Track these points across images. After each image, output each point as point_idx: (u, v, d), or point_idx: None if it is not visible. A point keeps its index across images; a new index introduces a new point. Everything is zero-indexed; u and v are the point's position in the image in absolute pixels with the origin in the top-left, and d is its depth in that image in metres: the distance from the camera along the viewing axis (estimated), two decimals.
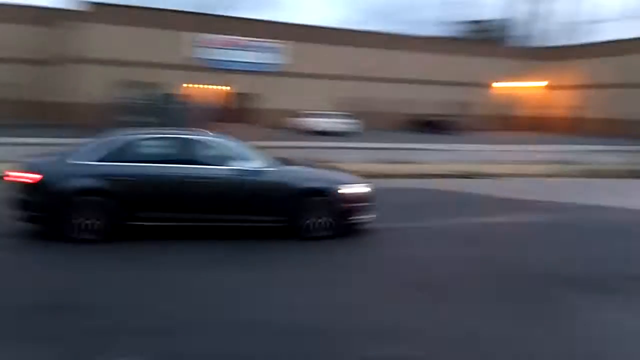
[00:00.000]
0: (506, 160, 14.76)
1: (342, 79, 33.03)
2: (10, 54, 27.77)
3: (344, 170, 7.85)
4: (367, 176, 7.93)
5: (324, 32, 34.12)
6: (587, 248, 6.49)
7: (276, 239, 6.21)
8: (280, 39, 32.17)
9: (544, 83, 39.63)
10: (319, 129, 26.72)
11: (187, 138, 6.55)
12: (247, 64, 31.37)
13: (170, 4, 32.99)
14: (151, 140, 6.61)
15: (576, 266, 5.63)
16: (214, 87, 30.93)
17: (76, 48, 27.36)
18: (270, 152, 7.28)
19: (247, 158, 6.43)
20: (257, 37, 31.66)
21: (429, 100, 34.21)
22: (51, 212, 5.82)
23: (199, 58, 30.25)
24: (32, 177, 5.85)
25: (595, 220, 8.01)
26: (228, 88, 31.46)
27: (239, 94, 31.55)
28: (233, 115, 29.22)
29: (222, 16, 32.27)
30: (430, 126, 32.19)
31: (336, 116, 27.90)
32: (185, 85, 28.21)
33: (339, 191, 6.45)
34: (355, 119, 28.13)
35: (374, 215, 6.68)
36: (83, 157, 6.09)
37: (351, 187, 6.62)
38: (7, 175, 6.11)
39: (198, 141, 6.53)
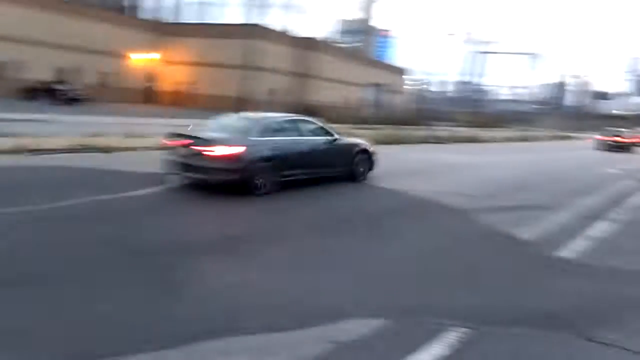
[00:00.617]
0: (120, 132, 14.33)
1: None
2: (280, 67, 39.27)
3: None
4: None
5: None
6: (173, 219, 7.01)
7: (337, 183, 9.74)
8: None
9: (158, 56, 41.18)
10: None
11: (302, 119, 10.15)
12: None
13: None
14: (283, 122, 9.43)
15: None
16: None
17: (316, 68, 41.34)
18: None
19: (327, 132, 9.84)
20: None
21: (44, 65, 30.49)
22: (244, 174, 7.96)
23: None
24: (237, 150, 7.97)
25: None
26: None
27: None
28: None
29: None
30: (40, 93, 28.70)
31: None
32: None
33: (370, 149, 10.61)
34: None
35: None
36: (255, 134, 8.46)
37: (370, 147, 10.69)
38: (212, 151, 7.89)
39: (307, 121, 10.03)
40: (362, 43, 79.36)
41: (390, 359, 3.35)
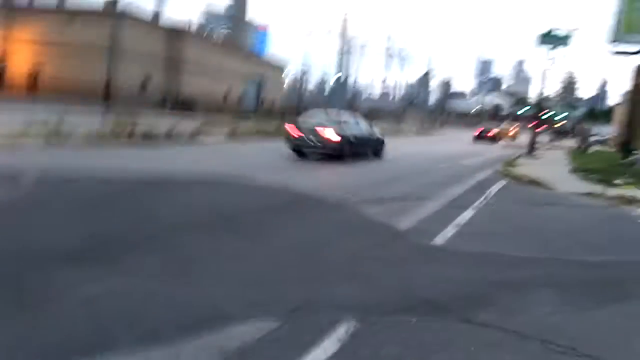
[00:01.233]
0: None
1: None
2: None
3: None
4: None
5: None
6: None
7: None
8: None
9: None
10: None
11: (360, 118, 19.07)
12: None
13: None
14: (353, 119, 17.35)
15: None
16: None
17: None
18: None
19: (372, 127, 18.18)
20: None
21: None
22: (341, 151, 14.55)
23: None
24: (338, 137, 14.56)
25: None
26: None
27: None
28: None
29: None
30: None
31: None
32: None
33: (384, 140, 18.17)
34: None
35: None
36: (344, 126, 15.34)
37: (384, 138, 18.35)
38: (323, 136, 14.54)
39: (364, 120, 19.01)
40: (232, 32, 78.19)
41: None
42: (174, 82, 41.30)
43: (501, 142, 41.46)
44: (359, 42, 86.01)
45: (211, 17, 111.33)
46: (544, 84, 26.74)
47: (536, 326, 3.90)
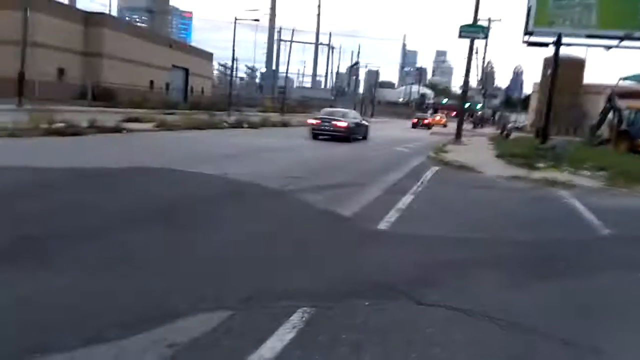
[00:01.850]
0: None
1: None
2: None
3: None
4: None
5: None
6: None
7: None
8: None
9: None
10: None
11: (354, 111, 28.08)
12: None
13: None
14: (351, 113, 24.48)
15: None
16: None
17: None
18: None
19: (361, 117, 25.87)
20: None
21: None
22: (347, 135, 20.88)
23: None
24: (346, 124, 20.98)
25: None
26: None
27: None
28: None
29: None
30: None
31: None
32: None
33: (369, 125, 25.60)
34: None
35: None
36: (349, 117, 22.54)
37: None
38: (336, 125, 20.89)
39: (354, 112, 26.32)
40: (154, 20, 75.54)
41: (239, 353, 3.07)
42: (94, 72, 39.02)
43: (432, 129, 45.85)
44: (288, 31, 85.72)
45: (131, 4, 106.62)
46: (465, 74, 27.82)
47: (483, 304, 4.02)
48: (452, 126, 35.84)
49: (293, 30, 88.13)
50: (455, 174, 12.69)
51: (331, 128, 20.93)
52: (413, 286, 4.37)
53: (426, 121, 51.44)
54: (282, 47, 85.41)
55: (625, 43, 21.28)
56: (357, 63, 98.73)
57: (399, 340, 3.36)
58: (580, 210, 8.48)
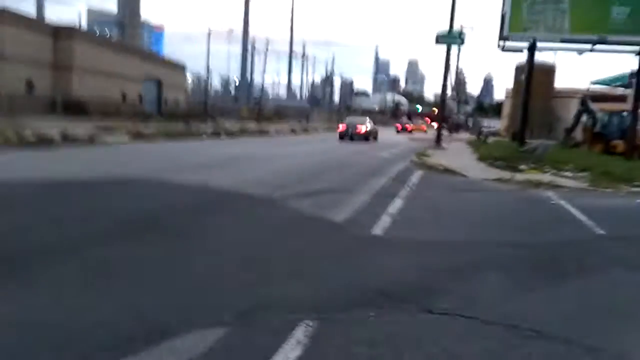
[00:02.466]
0: None
1: None
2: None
3: None
4: None
5: None
6: None
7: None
8: None
9: None
10: None
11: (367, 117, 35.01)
12: None
13: None
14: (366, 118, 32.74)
15: None
16: None
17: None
18: None
19: (374, 124, 31.95)
20: None
21: None
22: (366, 137, 28.67)
23: None
24: (365, 129, 28.94)
25: None
26: None
27: None
28: None
29: None
30: None
31: None
32: None
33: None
34: None
35: None
36: (368, 122, 30.86)
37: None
38: (358, 129, 28.80)
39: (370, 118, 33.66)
40: (125, 33, 74.63)
41: None
42: (65, 83, 38.02)
43: (412, 135, 48.06)
44: (263, 42, 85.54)
45: (101, 17, 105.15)
46: (443, 81, 27.99)
47: (496, 311, 3.78)
48: (430, 132, 35.82)
49: (267, 41, 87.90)
50: (441, 177, 12.55)
51: (354, 131, 28.41)
52: (419, 294, 4.11)
53: (409, 127, 57.90)
54: (256, 57, 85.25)
55: (597, 47, 21.71)
56: (331, 73, 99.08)
57: (418, 355, 3.08)
58: (570, 211, 8.38)
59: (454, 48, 31.14)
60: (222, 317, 3.43)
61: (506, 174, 12.68)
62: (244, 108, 57.14)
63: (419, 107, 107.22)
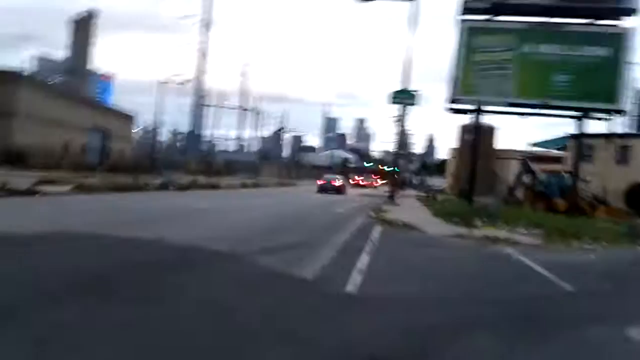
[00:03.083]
0: None
1: None
2: None
3: None
4: None
5: None
6: None
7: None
8: None
9: None
10: None
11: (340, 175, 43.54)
12: None
13: None
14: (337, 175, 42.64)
15: None
16: None
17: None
18: None
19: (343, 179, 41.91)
20: None
21: None
22: (340, 190, 36.01)
23: None
24: (341, 184, 37.75)
25: None
26: None
27: None
28: None
29: None
30: None
31: None
32: None
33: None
34: None
35: None
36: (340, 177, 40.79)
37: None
38: (334, 184, 36.00)
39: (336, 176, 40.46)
40: (71, 81, 73.16)
41: None
42: (5, 132, 36.21)
43: (364, 190, 48.59)
44: (213, 95, 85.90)
45: (46, 64, 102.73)
46: (387, 139, 28.88)
47: None
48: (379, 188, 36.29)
49: (218, 97, 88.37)
50: (401, 232, 12.51)
51: (331, 186, 34.63)
52: (411, 358, 3.85)
53: (362, 183, 65.33)
54: (206, 110, 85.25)
55: (537, 110, 23.14)
56: (282, 128, 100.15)
57: None
58: (532, 267, 8.47)
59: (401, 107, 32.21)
60: None
61: (464, 230, 12.83)
62: (192, 162, 56.28)
63: (368, 164, 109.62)
